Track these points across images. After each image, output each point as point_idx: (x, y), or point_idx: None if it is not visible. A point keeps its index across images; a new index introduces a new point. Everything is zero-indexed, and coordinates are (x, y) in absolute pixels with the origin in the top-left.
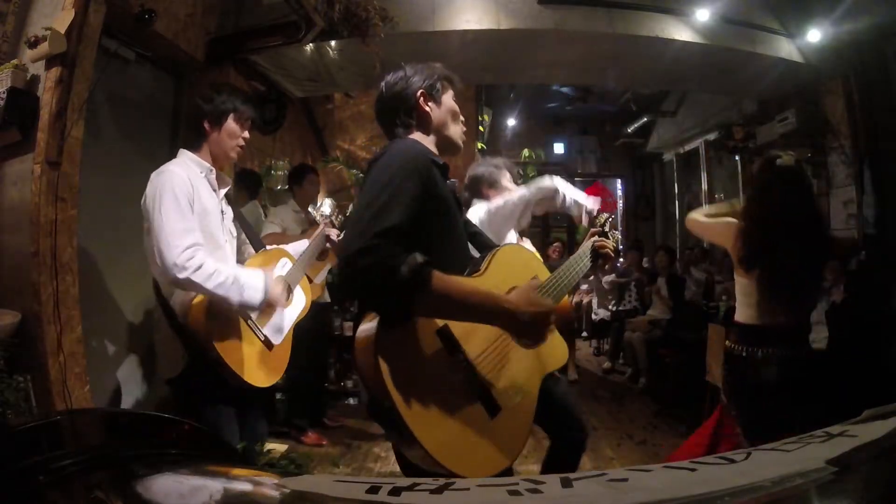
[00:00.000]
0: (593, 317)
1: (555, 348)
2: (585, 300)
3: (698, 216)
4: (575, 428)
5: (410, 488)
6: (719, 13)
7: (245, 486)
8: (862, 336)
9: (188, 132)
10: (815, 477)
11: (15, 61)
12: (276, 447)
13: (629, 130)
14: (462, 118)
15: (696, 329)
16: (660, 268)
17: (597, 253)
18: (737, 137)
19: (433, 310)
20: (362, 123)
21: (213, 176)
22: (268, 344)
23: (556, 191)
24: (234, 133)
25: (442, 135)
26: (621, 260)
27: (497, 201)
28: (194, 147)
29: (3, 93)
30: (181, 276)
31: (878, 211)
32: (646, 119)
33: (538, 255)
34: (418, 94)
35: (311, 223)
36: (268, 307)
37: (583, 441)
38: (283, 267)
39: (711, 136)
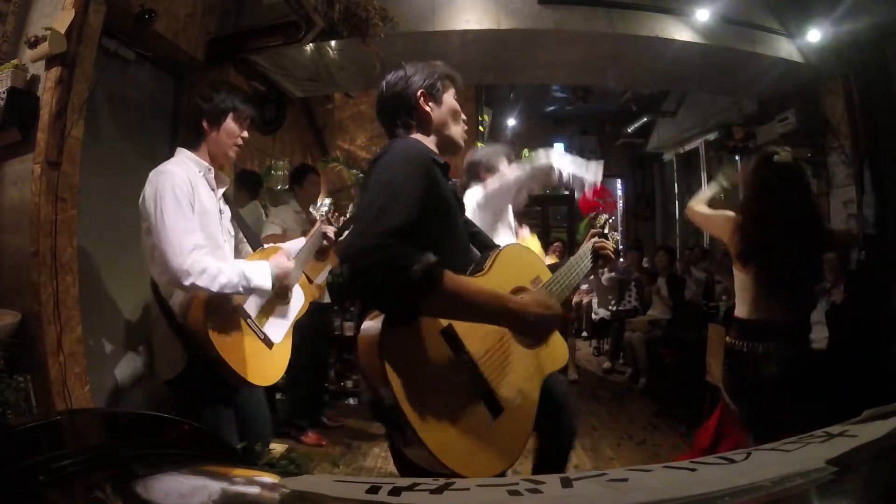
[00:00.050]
0: (593, 316)
1: (555, 349)
2: (585, 300)
3: (700, 207)
4: (567, 432)
5: (410, 488)
6: (719, 13)
7: (245, 487)
8: (862, 336)
9: (186, 131)
10: (815, 477)
11: (15, 61)
12: (276, 447)
13: (629, 130)
14: (464, 116)
15: (696, 329)
16: (660, 268)
17: (597, 254)
18: (737, 137)
19: (442, 309)
20: (362, 123)
21: (212, 175)
22: (267, 343)
23: (551, 168)
24: (232, 132)
25: (442, 135)
26: (621, 260)
27: (493, 182)
28: (192, 146)
29: (3, 93)
30: (187, 281)
31: (878, 211)
32: (646, 119)
33: (537, 240)
34: (418, 93)
35: (312, 223)
36: (281, 287)
37: (570, 444)
38: None
39: (711, 136)
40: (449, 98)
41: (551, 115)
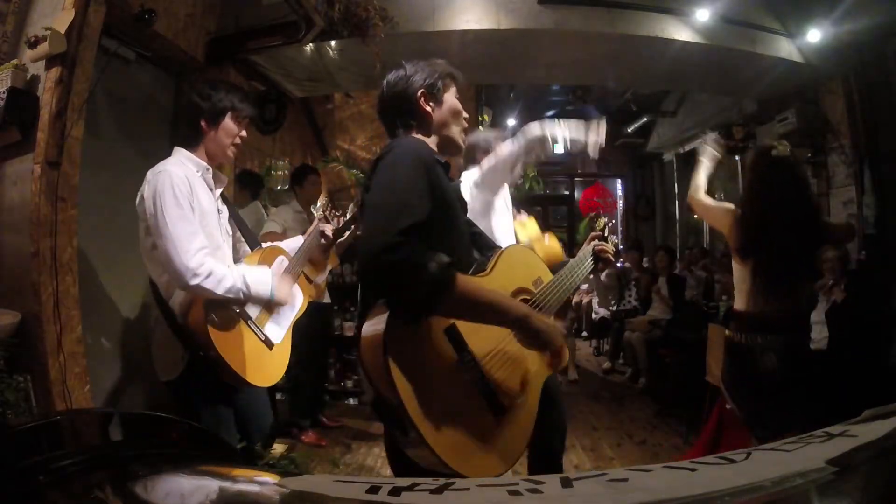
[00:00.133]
0: (593, 316)
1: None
2: (585, 300)
3: (701, 195)
4: (560, 430)
5: (410, 488)
6: (719, 13)
7: (245, 486)
8: (862, 336)
9: (184, 130)
10: (815, 477)
11: (15, 61)
12: (276, 447)
13: (629, 130)
14: (465, 115)
15: (696, 329)
16: (660, 268)
17: (597, 257)
18: (737, 137)
19: (452, 309)
20: (362, 123)
21: (210, 175)
22: (268, 343)
23: (544, 139)
24: (231, 131)
25: (443, 135)
26: (621, 260)
27: (489, 160)
28: (190, 145)
29: (3, 93)
30: (193, 282)
31: (879, 211)
32: (646, 119)
33: (536, 225)
34: (419, 93)
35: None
36: (275, 303)
37: (563, 442)
38: (280, 265)
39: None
40: (450, 97)
41: (551, 115)
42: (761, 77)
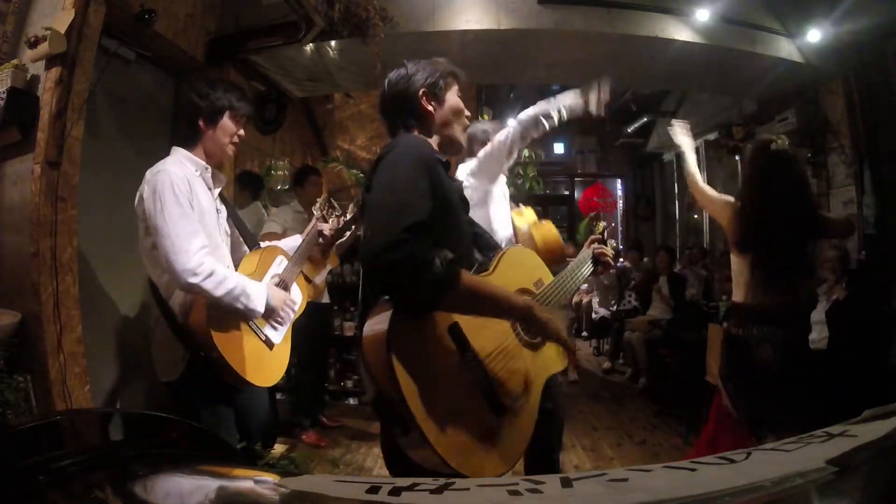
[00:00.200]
0: (593, 316)
1: (557, 351)
2: (585, 300)
3: (703, 185)
4: (557, 429)
5: (410, 488)
6: (719, 13)
7: (244, 486)
8: (862, 336)
9: (183, 129)
10: (815, 477)
11: (15, 61)
12: (276, 447)
13: (629, 130)
14: (468, 113)
15: (696, 329)
16: (660, 267)
17: (597, 260)
18: (737, 137)
19: (457, 304)
20: (362, 123)
21: (209, 174)
22: (268, 343)
23: (536, 119)
24: (229, 130)
25: (444, 134)
26: (621, 260)
27: (485, 148)
28: (188, 144)
29: (3, 93)
30: (192, 280)
31: (879, 211)
32: (646, 119)
33: (532, 210)
34: (420, 93)
35: None
36: (267, 316)
37: (559, 440)
38: (280, 265)
39: (711, 136)
40: (452, 96)
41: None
42: (761, 77)
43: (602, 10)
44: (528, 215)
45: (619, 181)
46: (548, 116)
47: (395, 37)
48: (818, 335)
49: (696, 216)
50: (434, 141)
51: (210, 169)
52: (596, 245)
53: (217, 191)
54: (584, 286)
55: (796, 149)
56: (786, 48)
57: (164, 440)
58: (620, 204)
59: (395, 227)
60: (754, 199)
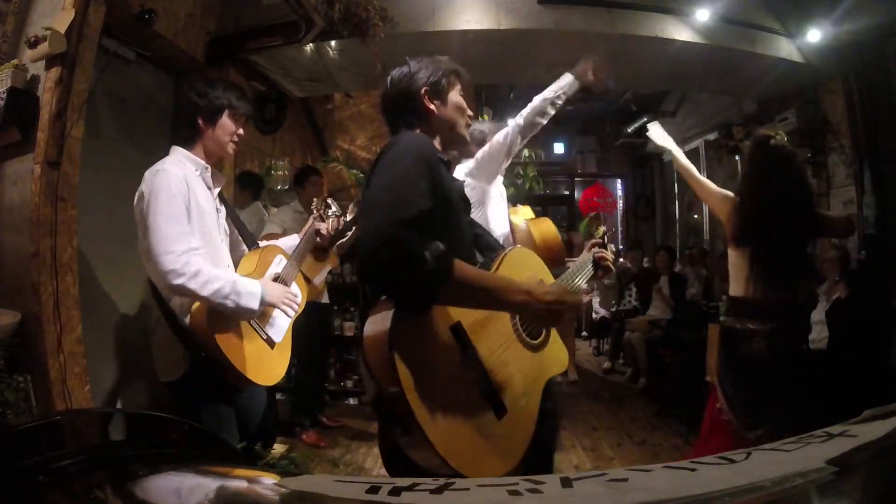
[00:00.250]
0: (594, 316)
1: (557, 352)
2: (585, 300)
3: (702, 178)
4: (554, 428)
5: (410, 488)
6: (719, 13)
7: (244, 486)
8: (862, 336)
9: (182, 128)
10: (815, 477)
11: (15, 61)
12: (276, 447)
13: (629, 130)
14: (470, 112)
15: (696, 329)
16: (661, 268)
17: (597, 263)
18: (737, 137)
19: (452, 296)
20: (362, 123)
21: (209, 174)
22: (270, 342)
23: (543, 109)
24: (228, 129)
25: (446, 132)
26: (621, 259)
27: (483, 148)
28: (188, 144)
29: (3, 93)
30: (175, 281)
31: (879, 211)
32: (646, 119)
33: (529, 209)
34: (422, 91)
35: None
36: (267, 308)
37: (556, 440)
38: (279, 264)
39: (711, 136)
40: (454, 95)
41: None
42: (761, 77)
43: (602, 10)
44: (524, 211)
45: (619, 181)
46: (555, 100)
47: (395, 37)
48: (818, 335)
49: (695, 216)
50: (436, 140)
51: (210, 168)
52: (596, 249)
53: (217, 190)
54: (585, 286)
55: (796, 148)
56: (786, 48)
57: (164, 440)
58: (620, 204)
59: (387, 224)
60: (753, 193)
